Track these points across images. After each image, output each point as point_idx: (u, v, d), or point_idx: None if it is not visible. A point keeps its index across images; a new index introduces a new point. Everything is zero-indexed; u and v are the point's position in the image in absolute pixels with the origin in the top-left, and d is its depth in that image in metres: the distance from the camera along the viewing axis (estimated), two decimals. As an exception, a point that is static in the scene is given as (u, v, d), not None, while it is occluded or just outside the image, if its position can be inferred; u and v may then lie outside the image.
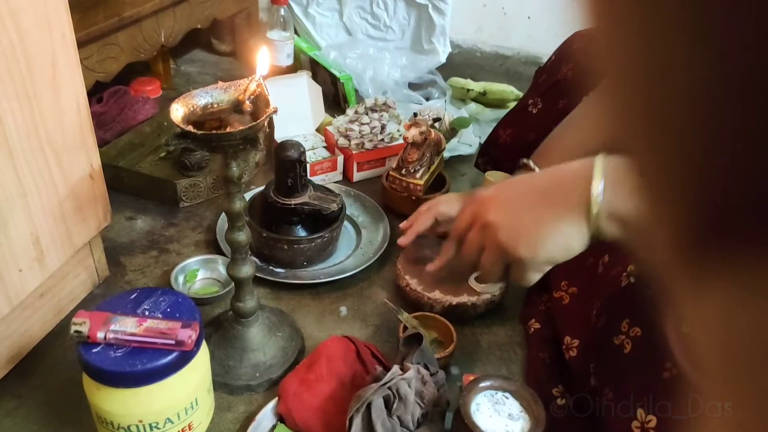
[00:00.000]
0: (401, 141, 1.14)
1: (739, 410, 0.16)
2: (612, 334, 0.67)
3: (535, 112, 1.01)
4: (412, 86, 1.51)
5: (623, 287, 0.71)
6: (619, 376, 0.65)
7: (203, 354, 0.68)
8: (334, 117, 1.27)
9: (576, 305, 0.82)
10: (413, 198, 1.06)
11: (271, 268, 0.95)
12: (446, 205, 0.82)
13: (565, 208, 0.60)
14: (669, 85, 0.15)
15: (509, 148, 1.06)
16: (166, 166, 1.18)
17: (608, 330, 0.69)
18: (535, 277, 0.65)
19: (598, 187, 0.58)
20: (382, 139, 1.18)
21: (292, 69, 1.46)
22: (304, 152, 0.92)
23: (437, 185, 1.10)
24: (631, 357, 0.64)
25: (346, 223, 1.05)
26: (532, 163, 0.82)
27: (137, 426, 0.64)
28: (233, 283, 0.77)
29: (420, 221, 0.83)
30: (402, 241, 0.84)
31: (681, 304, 0.18)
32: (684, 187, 0.16)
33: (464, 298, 0.86)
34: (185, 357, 0.64)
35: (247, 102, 0.67)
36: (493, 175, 1.05)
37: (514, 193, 0.66)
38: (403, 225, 0.87)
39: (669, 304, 0.18)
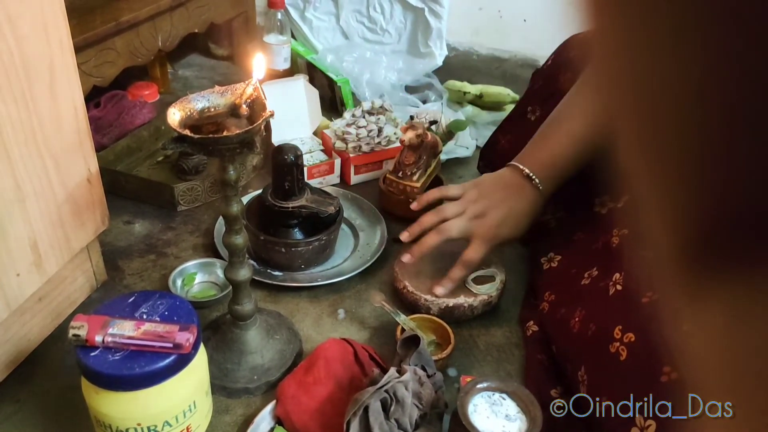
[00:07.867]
0: (398, 144, 1.14)
1: (740, 416, 0.16)
2: (606, 342, 0.68)
3: (533, 119, 1.04)
4: (409, 89, 1.51)
5: (611, 295, 0.71)
6: (617, 383, 0.65)
7: (201, 357, 0.69)
8: (331, 120, 1.27)
9: (554, 311, 0.83)
10: (410, 200, 1.06)
11: (268, 271, 0.96)
12: (456, 229, 0.85)
13: (523, 194, 0.87)
14: (662, 93, 0.15)
15: (508, 153, 1.08)
16: (164, 170, 1.18)
17: (601, 338, 0.69)
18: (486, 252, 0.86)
19: (533, 177, 0.87)
20: (379, 142, 1.18)
21: (289, 73, 1.46)
22: (301, 155, 0.92)
23: (434, 188, 1.10)
24: (628, 364, 0.64)
25: (343, 226, 1.05)
26: (521, 166, 0.88)
27: (135, 429, 0.64)
28: (231, 287, 0.78)
29: (429, 242, 0.86)
30: (406, 258, 0.88)
31: (680, 312, 0.18)
32: (681, 200, 0.17)
33: (461, 300, 0.87)
34: (183, 360, 0.64)
35: (244, 106, 0.68)
36: (489, 178, 1.05)
37: (492, 194, 0.87)
38: (404, 237, 0.89)
39: (667, 312, 0.19)
